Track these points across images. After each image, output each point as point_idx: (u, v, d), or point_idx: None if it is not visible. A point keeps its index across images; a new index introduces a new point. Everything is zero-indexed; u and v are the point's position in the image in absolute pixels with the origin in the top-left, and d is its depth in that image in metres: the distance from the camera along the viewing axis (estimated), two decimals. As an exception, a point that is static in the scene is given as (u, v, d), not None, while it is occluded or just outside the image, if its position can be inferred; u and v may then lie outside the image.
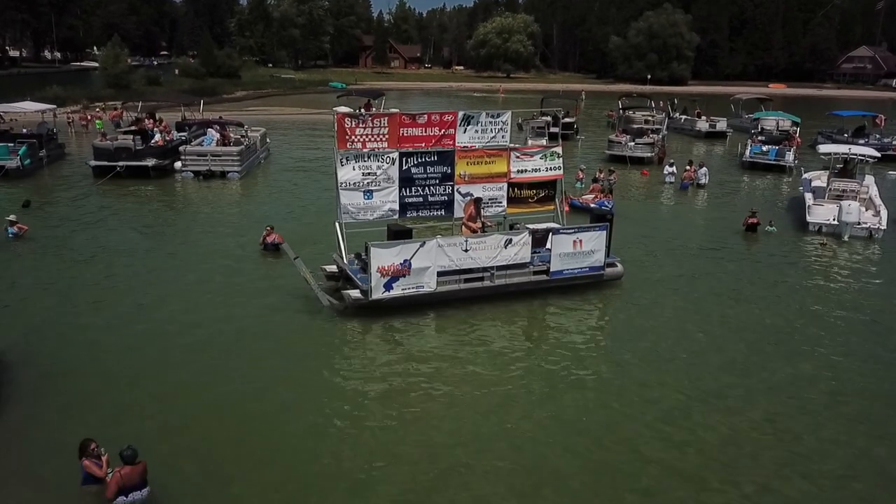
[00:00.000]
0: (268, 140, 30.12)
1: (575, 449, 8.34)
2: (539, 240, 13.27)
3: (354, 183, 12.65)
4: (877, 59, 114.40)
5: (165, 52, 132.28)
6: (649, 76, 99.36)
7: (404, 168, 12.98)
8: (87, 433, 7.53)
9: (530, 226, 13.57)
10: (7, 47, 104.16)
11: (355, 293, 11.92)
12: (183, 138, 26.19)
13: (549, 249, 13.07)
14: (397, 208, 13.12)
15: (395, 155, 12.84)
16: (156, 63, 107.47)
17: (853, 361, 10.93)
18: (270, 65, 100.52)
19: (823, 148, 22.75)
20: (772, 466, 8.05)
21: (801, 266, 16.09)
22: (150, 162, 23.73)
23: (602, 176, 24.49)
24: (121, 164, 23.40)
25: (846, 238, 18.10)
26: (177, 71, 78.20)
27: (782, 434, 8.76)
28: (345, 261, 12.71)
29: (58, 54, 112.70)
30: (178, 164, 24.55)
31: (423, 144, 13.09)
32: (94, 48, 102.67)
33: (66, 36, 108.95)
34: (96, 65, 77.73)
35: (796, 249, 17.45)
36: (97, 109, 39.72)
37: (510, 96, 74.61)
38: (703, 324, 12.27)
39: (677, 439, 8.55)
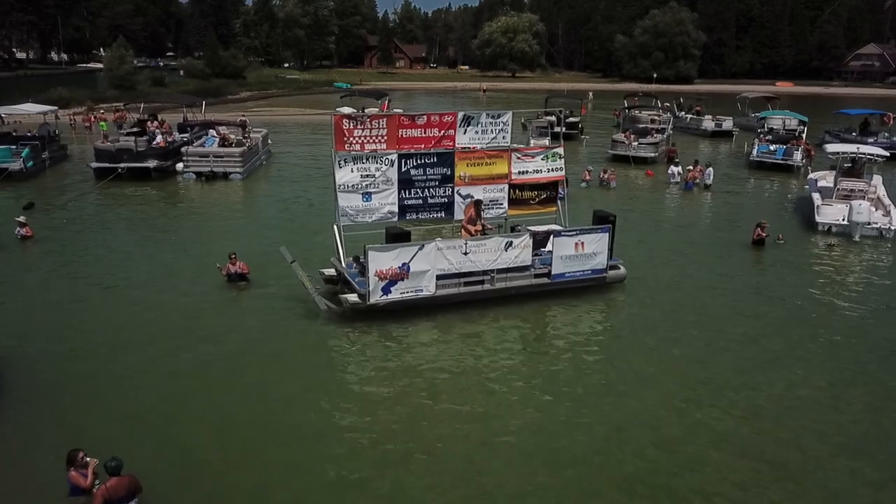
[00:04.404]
0: (269, 141, 30.03)
1: (575, 455, 8.16)
2: (540, 242, 13.06)
3: (353, 185, 12.48)
4: (885, 57, 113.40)
5: (171, 53, 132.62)
6: (655, 75, 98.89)
7: (403, 170, 12.80)
8: (81, 441, 7.45)
9: (531, 228, 13.39)
10: (14, 49, 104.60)
11: (353, 297, 11.74)
12: (185, 139, 26.11)
13: (551, 252, 12.87)
14: (396, 210, 12.95)
15: (394, 156, 12.66)
16: (161, 64, 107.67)
17: (869, 369, 10.67)
18: (279, 65, 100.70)
19: (831, 147, 22.42)
20: (779, 471, 7.85)
21: (811, 268, 15.78)
22: (152, 163, 23.65)
23: (605, 176, 24.43)
24: (122, 165, 23.35)
25: (857, 238, 17.80)
26: (181, 72, 78.32)
27: (790, 442, 8.53)
28: (343, 264, 12.55)
29: (64, 56, 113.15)
30: (180, 166, 24.47)
31: (423, 145, 12.93)
32: (101, 49, 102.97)
33: (73, 37, 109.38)
34: (102, 66, 77.93)
35: (805, 251, 17.15)
36: (101, 111, 39.72)
37: (495, 96, 74.42)
38: (708, 328, 12.03)
39: (680, 448, 8.34)
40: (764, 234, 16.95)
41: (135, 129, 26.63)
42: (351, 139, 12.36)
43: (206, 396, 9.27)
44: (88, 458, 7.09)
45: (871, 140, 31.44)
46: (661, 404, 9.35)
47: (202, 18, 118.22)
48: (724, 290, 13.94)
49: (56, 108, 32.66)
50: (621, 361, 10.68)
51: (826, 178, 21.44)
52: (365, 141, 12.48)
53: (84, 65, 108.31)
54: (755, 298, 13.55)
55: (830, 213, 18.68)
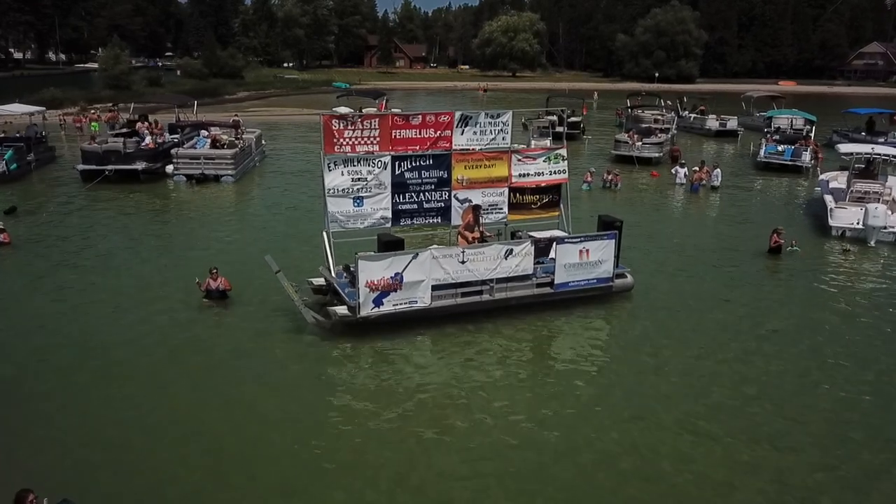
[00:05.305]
0: (263, 142, 29.29)
1: (578, 475, 7.58)
2: (542, 249, 12.31)
3: (343, 189, 11.72)
4: (888, 56, 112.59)
5: (170, 53, 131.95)
6: (657, 74, 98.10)
7: (397, 173, 12.04)
8: (50, 461, 6.93)
9: (533, 234, 12.65)
10: (10, 49, 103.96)
11: (342, 310, 10.99)
12: (175, 140, 25.36)
13: (554, 260, 12.12)
14: (390, 216, 12.19)
15: (388, 159, 11.90)
16: (160, 64, 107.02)
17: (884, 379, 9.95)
18: (278, 65, 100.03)
19: (845, 147, 21.63)
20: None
21: (825, 275, 15.02)
22: (140, 165, 22.91)
23: (609, 177, 23.72)
24: (109, 167, 22.61)
25: (872, 243, 17.01)
26: (179, 72, 77.66)
27: (802, 457, 7.90)
28: (332, 273, 11.80)
29: (62, 56, 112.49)
30: (169, 168, 23.72)
31: (418, 147, 12.18)
32: (99, 49, 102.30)
33: (71, 38, 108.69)
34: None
35: (818, 256, 16.38)
36: (93, 112, 39.00)
37: (495, 95, 73.84)
38: (719, 338, 11.30)
39: (693, 469, 7.69)
40: (781, 241, 16.06)
41: (124, 130, 25.90)
42: (341, 140, 11.61)
43: (182, 413, 8.64)
44: (45, 499, 6.35)
45: (880, 140, 30.69)
46: (672, 422, 8.65)
47: (202, 18, 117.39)
48: (735, 298, 13.20)
49: (43, 108, 31.94)
50: (629, 376, 9.97)
51: (838, 180, 20.67)
52: (356, 142, 11.73)
53: (82, 65, 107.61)
54: (771, 308, 12.79)
55: (844, 217, 17.89)
